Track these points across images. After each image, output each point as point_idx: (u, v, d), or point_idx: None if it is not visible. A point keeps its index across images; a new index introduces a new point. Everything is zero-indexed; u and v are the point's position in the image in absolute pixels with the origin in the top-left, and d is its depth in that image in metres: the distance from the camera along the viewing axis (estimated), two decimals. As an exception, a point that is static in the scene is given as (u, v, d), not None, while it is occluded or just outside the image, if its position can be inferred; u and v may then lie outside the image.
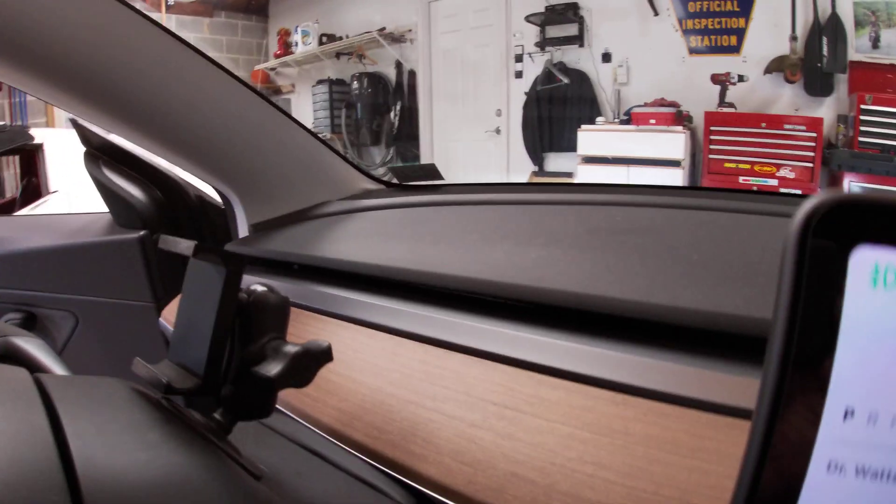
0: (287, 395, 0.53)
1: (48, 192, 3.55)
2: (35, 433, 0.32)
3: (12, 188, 5.95)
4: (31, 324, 1.24)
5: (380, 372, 0.60)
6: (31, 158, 3.99)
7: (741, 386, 0.45)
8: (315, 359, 0.45)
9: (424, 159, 5.98)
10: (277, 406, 0.61)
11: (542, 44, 5.16)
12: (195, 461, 0.36)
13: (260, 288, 0.46)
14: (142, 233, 1.13)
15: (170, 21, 6.85)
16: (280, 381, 0.42)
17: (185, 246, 0.42)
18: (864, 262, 0.20)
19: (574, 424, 0.48)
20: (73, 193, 3.39)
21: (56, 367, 0.64)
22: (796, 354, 0.20)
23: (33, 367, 0.63)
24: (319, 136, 1.11)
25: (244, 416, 0.46)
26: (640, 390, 0.48)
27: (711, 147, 4.29)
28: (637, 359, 0.51)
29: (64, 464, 0.31)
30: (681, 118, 4.40)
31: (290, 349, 0.44)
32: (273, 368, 0.42)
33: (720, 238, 0.65)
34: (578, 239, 0.72)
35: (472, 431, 0.50)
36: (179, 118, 0.91)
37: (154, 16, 0.89)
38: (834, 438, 0.21)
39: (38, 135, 3.95)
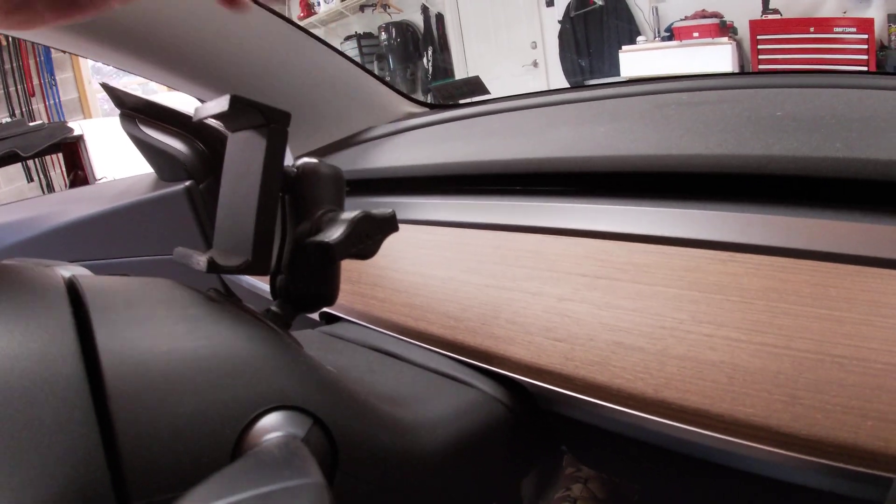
0: (351, 301, 0.49)
1: (95, 181, 3.60)
2: (48, 301, 0.28)
3: (60, 185, 6.09)
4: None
5: (450, 263, 0.55)
6: (74, 151, 4.05)
7: (854, 232, 0.41)
8: (378, 225, 0.39)
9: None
10: (341, 314, 0.57)
11: (570, -34, 4.92)
12: (246, 334, 0.31)
13: (308, 159, 0.41)
14: (187, 183, 1.10)
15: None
16: (340, 247, 0.37)
17: (220, 102, 0.36)
18: None
19: (679, 286, 0.43)
20: (119, 178, 3.43)
21: None
22: None
23: None
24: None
25: (305, 306, 0.41)
26: (744, 246, 0.44)
27: (760, 57, 4.08)
28: (737, 215, 0.47)
29: (81, 336, 0.27)
30: (725, 29, 4.18)
31: (349, 215, 0.38)
32: (332, 234, 0.37)
33: (797, 101, 0.60)
34: (647, 114, 0.66)
35: (562, 305, 0.45)
36: (213, 53, 0.87)
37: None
38: None
39: (77, 127, 4.01)
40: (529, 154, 0.60)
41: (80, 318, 0.28)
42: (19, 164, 5.42)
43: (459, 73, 6.00)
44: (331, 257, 0.37)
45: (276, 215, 0.38)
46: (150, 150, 1.17)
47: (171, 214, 1.14)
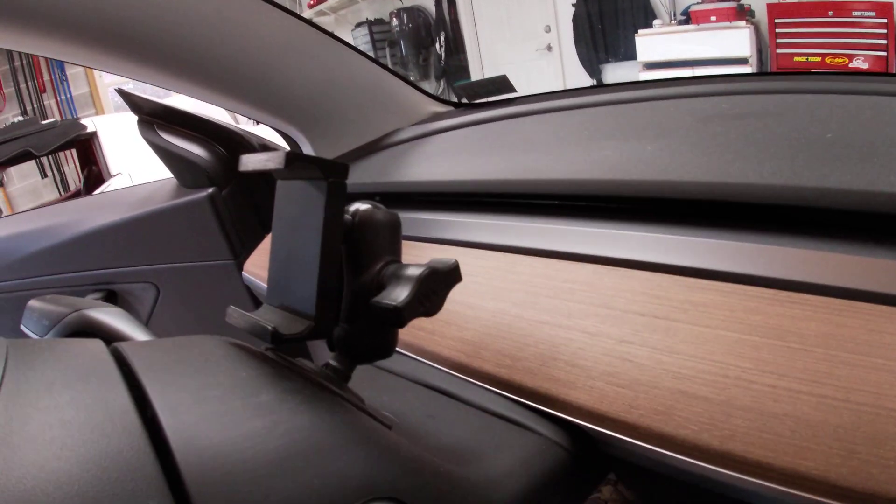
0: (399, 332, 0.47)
1: (110, 176, 3.59)
2: (114, 415, 0.26)
3: (75, 181, 6.09)
4: (111, 301, 1.21)
5: (499, 293, 0.53)
6: (87, 148, 4.04)
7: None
8: (443, 280, 0.37)
9: (476, 87, 5.78)
10: None
11: (584, -53, 4.83)
12: (323, 421, 0.31)
13: (364, 206, 0.39)
14: (210, 190, 1.09)
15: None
16: (409, 309, 0.35)
17: (273, 158, 0.34)
18: None
19: (740, 329, 0.41)
20: (134, 173, 3.43)
21: (139, 335, 0.56)
22: None
23: (114, 338, 0.55)
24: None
25: (364, 358, 0.40)
26: (806, 286, 0.42)
27: (778, 41, 4.02)
28: (794, 251, 0.45)
29: (156, 447, 0.25)
30: (742, 12, 4.12)
31: (414, 272, 0.37)
32: (399, 295, 0.36)
33: (843, 117, 0.57)
34: (692, 129, 0.64)
35: (623, 349, 0.43)
36: (234, 61, 0.85)
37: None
38: None
39: (90, 123, 3.99)
40: (576, 174, 0.59)
41: (145, 414, 0.27)
42: (33, 161, 5.42)
43: (472, 58, 5.94)
44: (400, 321, 0.36)
45: (337, 273, 0.37)
46: (170, 157, 1.16)
47: (194, 221, 1.13)
